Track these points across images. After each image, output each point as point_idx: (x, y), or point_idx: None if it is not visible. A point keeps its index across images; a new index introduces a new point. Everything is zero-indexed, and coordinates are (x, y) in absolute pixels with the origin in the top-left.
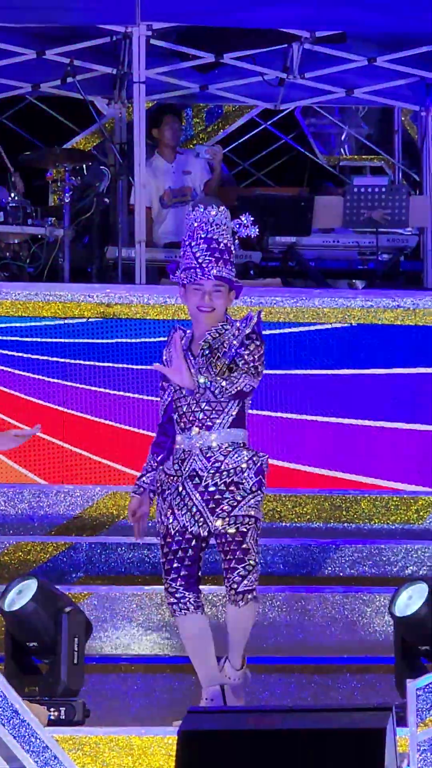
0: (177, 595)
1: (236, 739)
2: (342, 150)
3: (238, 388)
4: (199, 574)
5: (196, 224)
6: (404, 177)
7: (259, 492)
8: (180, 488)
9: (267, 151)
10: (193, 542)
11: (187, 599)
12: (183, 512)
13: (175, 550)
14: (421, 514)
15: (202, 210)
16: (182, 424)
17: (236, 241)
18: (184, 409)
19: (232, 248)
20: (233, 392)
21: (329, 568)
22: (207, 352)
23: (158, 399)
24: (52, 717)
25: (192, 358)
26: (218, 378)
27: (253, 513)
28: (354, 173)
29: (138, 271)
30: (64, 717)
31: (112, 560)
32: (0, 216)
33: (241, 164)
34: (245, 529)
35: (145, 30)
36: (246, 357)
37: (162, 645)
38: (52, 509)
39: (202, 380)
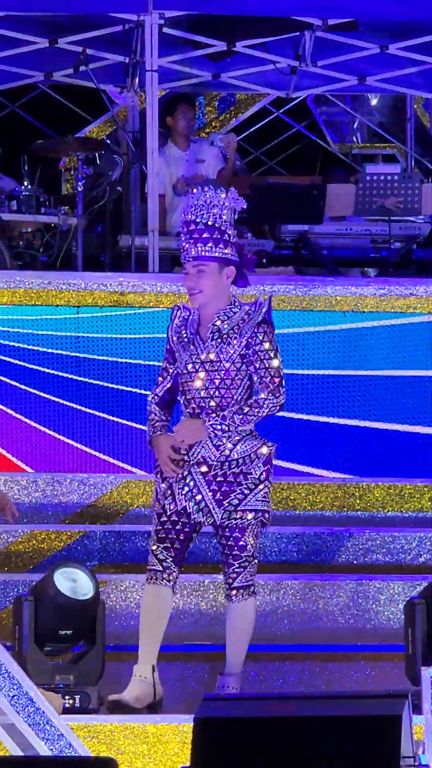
0: (165, 564)
1: (251, 726)
2: (354, 138)
3: (267, 413)
4: (184, 557)
5: (183, 210)
6: (416, 165)
7: (267, 482)
8: (186, 473)
9: (279, 140)
10: (188, 527)
11: (171, 572)
12: (187, 498)
13: (174, 521)
14: None
15: (190, 193)
16: (191, 409)
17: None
18: (193, 394)
19: (219, 224)
20: (262, 416)
21: (343, 557)
22: (217, 336)
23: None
24: (67, 705)
25: (201, 342)
26: (239, 414)
27: (259, 506)
28: (366, 161)
29: (151, 259)
30: (79, 705)
31: (126, 549)
32: (13, 205)
33: (253, 152)
34: (246, 524)
35: (158, 18)
36: (266, 366)
37: (175, 633)
38: (66, 498)
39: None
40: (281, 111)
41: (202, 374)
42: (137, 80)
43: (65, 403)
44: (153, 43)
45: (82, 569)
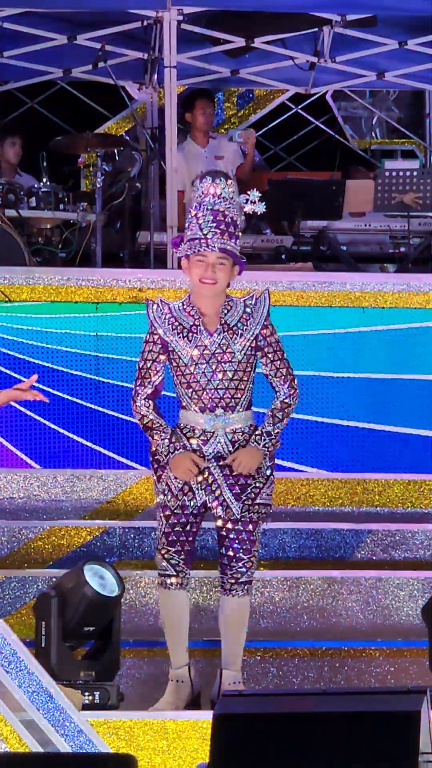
0: (177, 568)
1: (271, 722)
2: (373, 134)
3: (293, 408)
4: (193, 555)
5: (203, 195)
6: None
7: (272, 477)
8: (202, 468)
9: (298, 136)
10: (198, 524)
11: (185, 576)
12: (207, 493)
13: (184, 523)
14: None
15: (210, 181)
16: (201, 403)
17: (243, 217)
18: (204, 386)
19: (239, 222)
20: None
21: (362, 553)
22: (227, 328)
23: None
24: (86, 701)
25: (209, 334)
26: (279, 424)
27: (269, 501)
28: (385, 157)
29: (170, 255)
30: (98, 701)
31: (145, 545)
32: (32, 201)
33: (272, 148)
34: (259, 519)
35: (176, 14)
36: (281, 357)
37: (194, 629)
38: (86, 494)
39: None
40: (300, 107)
41: (213, 366)
42: (156, 76)
43: (83, 403)
44: (171, 39)
45: (108, 567)
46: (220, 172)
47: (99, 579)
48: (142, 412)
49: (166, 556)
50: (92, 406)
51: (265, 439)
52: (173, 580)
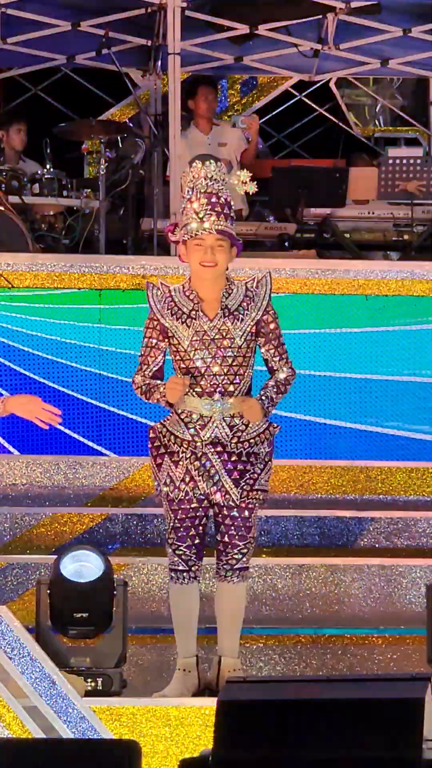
0: (189, 563)
1: (274, 708)
2: (376, 121)
3: (289, 386)
4: (204, 545)
5: (195, 180)
6: None
7: (270, 463)
8: (200, 454)
9: (301, 123)
10: (204, 513)
11: (197, 568)
12: (205, 479)
13: (192, 517)
14: None
15: (200, 165)
16: (200, 387)
17: (246, 204)
18: (203, 372)
19: (231, 203)
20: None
21: (365, 540)
22: (227, 313)
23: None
24: (89, 688)
25: (207, 320)
26: (274, 394)
27: (266, 487)
28: (389, 145)
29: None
30: (101, 688)
31: (148, 531)
32: (35, 188)
33: (275, 136)
34: (254, 506)
35: (180, 1)
36: (281, 342)
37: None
38: (89, 480)
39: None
40: (303, 94)
41: (212, 351)
42: (159, 63)
43: (84, 369)
44: (175, 26)
45: (94, 552)
46: (208, 155)
47: (78, 565)
48: (138, 384)
49: (177, 551)
50: (95, 370)
51: (266, 403)
52: (184, 574)
